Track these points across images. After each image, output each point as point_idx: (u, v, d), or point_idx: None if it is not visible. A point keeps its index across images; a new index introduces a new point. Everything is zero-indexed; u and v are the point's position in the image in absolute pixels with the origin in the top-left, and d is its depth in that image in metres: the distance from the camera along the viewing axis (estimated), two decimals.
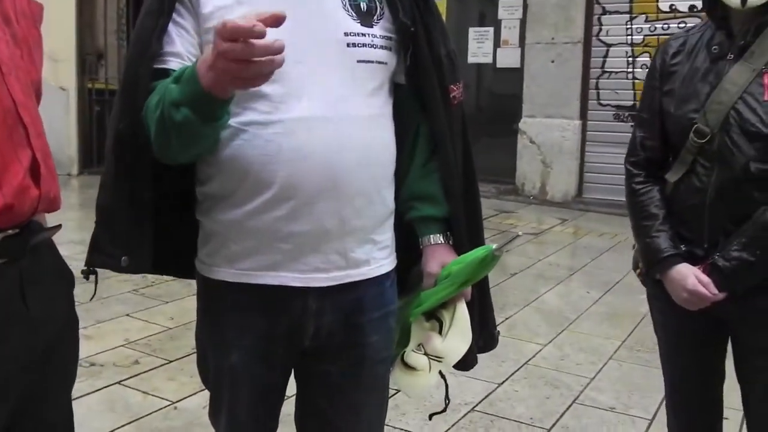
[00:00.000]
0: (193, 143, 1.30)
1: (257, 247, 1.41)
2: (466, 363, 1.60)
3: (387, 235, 1.51)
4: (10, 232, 1.06)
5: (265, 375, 1.50)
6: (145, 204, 1.43)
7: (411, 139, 1.54)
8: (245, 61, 1.07)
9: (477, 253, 1.48)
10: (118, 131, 1.39)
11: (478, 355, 1.65)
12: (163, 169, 1.41)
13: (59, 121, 9.05)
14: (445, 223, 1.55)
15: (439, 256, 1.53)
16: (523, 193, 8.28)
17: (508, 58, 8.49)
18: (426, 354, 1.52)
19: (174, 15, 1.38)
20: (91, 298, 1.45)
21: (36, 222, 1.16)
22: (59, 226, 1.24)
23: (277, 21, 1.07)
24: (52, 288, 1.18)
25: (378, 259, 1.48)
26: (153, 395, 3.17)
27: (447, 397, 1.61)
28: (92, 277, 1.45)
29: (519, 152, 8.31)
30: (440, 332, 1.53)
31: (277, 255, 1.40)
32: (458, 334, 1.52)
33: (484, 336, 1.65)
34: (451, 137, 1.53)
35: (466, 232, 1.54)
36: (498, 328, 1.70)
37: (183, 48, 1.38)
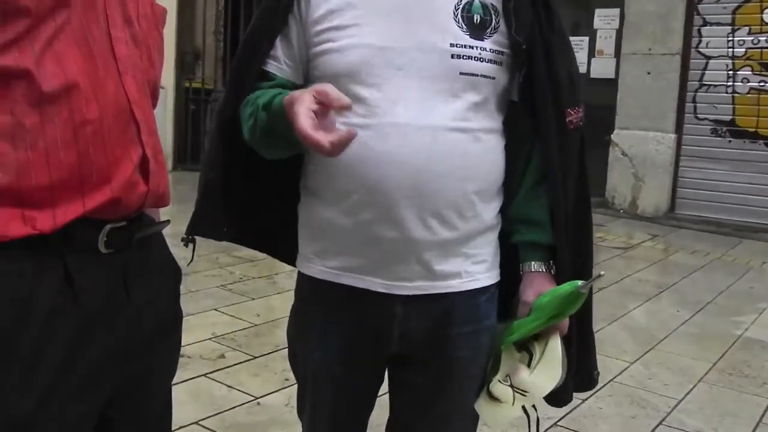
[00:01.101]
0: (278, 153, 1.42)
1: (345, 248, 1.42)
2: (558, 399, 1.56)
3: (484, 250, 1.47)
4: (117, 224, 1.09)
5: (348, 376, 1.50)
6: (244, 180, 1.52)
7: (523, 159, 1.49)
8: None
9: (563, 288, 1.42)
10: (223, 119, 1.49)
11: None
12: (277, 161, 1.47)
13: (157, 118, 9.29)
14: (549, 251, 1.48)
15: (537, 285, 1.47)
16: (612, 207, 8.11)
17: (602, 69, 8.33)
18: (511, 386, 1.46)
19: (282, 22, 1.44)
20: (189, 263, 1.51)
21: (147, 216, 1.19)
22: (168, 222, 1.27)
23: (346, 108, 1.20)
24: (157, 281, 1.20)
25: (472, 272, 1.45)
26: (237, 389, 3.22)
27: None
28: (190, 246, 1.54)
29: (610, 164, 8.14)
30: (529, 365, 1.47)
31: (363, 258, 1.41)
32: (546, 370, 1.45)
33: (582, 376, 1.58)
34: (564, 163, 1.46)
35: (571, 263, 1.46)
36: (598, 370, 1.62)
37: (281, 53, 1.45)
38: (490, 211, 1.46)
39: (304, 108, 1.18)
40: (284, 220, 1.55)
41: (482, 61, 1.39)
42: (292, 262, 1.58)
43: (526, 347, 1.49)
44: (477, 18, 1.40)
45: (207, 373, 3.35)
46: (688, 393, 3.48)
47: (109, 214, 1.08)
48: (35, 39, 0.98)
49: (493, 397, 1.48)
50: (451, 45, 1.37)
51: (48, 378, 1.01)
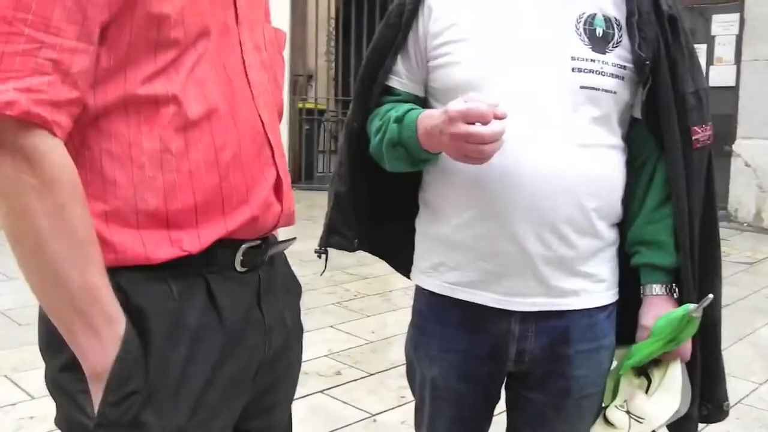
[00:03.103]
0: (403, 166, 1.45)
1: (461, 262, 1.43)
2: (681, 429, 1.50)
3: (603, 268, 1.45)
4: (252, 243, 1.14)
5: (466, 393, 1.51)
6: (371, 192, 1.57)
7: (646, 178, 1.46)
8: (474, 144, 1.22)
9: (677, 312, 1.38)
10: (352, 128, 1.53)
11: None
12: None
13: None
14: (672, 274, 1.44)
15: (657, 309, 1.43)
16: (736, 220, 7.79)
17: (721, 77, 8.03)
18: (627, 412, 1.42)
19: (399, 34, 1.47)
20: (322, 273, 1.62)
21: (272, 235, 1.24)
22: (294, 239, 1.32)
23: (502, 117, 1.22)
24: (282, 298, 1.25)
25: (590, 290, 1.43)
26: (354, 406, 3.26)
27: None
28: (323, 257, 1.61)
29: (732, 176, 7.82)
30: (647, 391, 1.43)
31: (479, 273, 1.41)
32: (664, 397, 1.41)
33: (710, 406, 1.52)
34: (690, 183, 1.42)
35: (696, 287, 1.41)
36: (728, 401, 1.55)
37: (402, 67, 1.49)
38: (609, 229, 1.44)
39: (454, 103, 1.24)
40: (408, 232, 1.57)
41: (604, 75, 1.37)
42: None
43: (645, 373, 1.45)
44: (600, 31, 1.39)
45: (324, 390, 3.40)
46: None
47: (248, 234, 1.13)
48: (180, 67, 1.04)
49: (608, 422, 1.45)
50: (573, 58, 1.36)
51: (196, 392, 1.07)
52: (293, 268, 1.34)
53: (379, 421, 3.13)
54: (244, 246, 1.13)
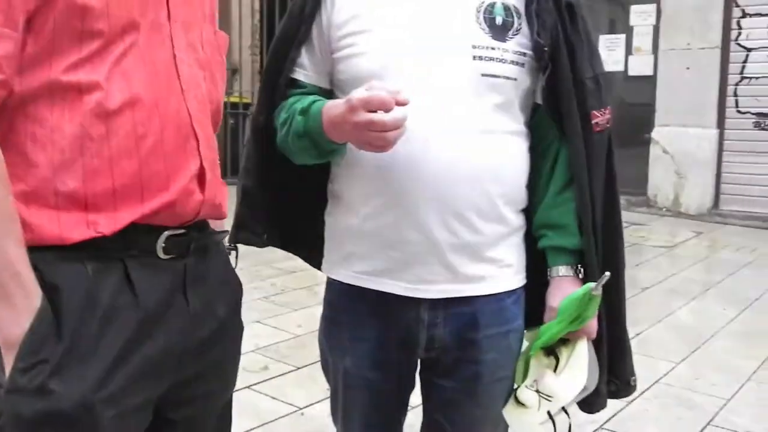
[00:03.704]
0: (309, 159, 1.45)
1: (369, 251, 1.44)
2: (591, 404, 1.55)
3: (509, 254, 1.47)
4: (175, 231, 1.18)
5: (379, 381, 1.52)
6: (280, 186, 1.56)
7: (550, 163, 1.48)
8: (376, 131, 1.23)
9: (579, 291, 1.41)
10: (258, 122, 1.54)
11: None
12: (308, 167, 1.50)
13: None
14: (577, 255, 1.47)
15: (564, 290, 1.45)
16: (655, 205, 8.02)
17: (640, 66, 8.25)
18: (537, 391, 1.46)
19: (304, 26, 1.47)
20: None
21: (209, 228, 1.28)
22: (227, 231, 1.35)
23: (404, 104, 1.23)
24: (216, 290, 1.27)
25: (496, 277, 1.45)
26: (281, 401, 3.25)
27: None
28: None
29: (651, 162, 8.05)
30: (555, 370, 1.47)
31: (387, 262, 1.43)
32: (572, 375, 1.45)
33: (618, 382, 1.56)
34: (591, 166, 1.45)
35: (600, 267, 1.45)
36: (635, 375, 1.59)
37: (307, 60, 1.48)
38: (514, 214, 1.46)
39: (356, 91, 1.25)
40: (319, 225, 1.57)
41: (504, 63, 1.39)
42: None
43: (554, 352, 1.49)
44: (499, 20, 1.41)
45: (251, 385, 3.38)
46: (736, 393, 3.42)
47: (167, 220, 1.16)
48: (106, 57, 1.09)
49: (519, 402, 1.48)
50: (473, 46, 1.38)
51: (105, 365, 1.09)
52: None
53: (306, 414, 3.13)
54: (166, 233, 1.16)
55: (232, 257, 1.54)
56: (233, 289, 1.35)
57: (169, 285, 1.18)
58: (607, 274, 1.39)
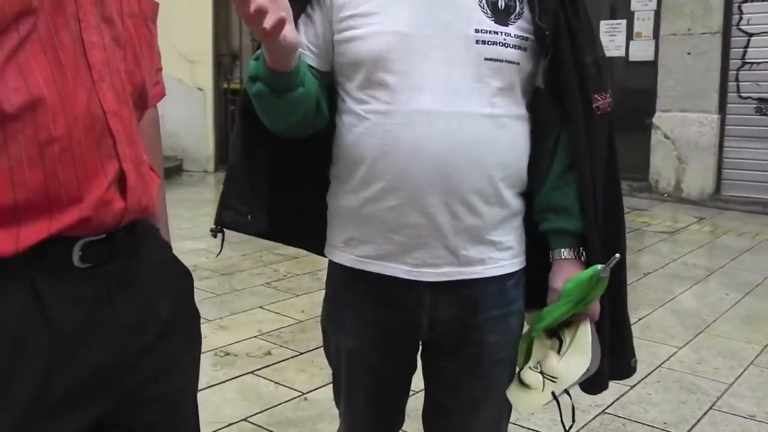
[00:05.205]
0: (274, 113, 1.40)
1: (371, 235, 1.44)
2: (593, 386, 1.55)
3: (509, 237, 1.48)
4: (93, 238, 1.03)
5: (382, 363, 1.53)
6: (266, 164, 1.52)
7: (551, 146, 1.48)
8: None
9: (586, 273, 1.42)
10: (244, 96, 1.49)
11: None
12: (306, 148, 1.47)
13: (197, 120, 9.47)
14: (579, 238, 1.48)
15: (566, 272, 1.46)
16: (656, 191, 8.01)
17: (641, 51, 8.21)
18: (541, 372, 1.47)
19: (306, 6, 1.45)
20: (218, 255, 1.51)
21: (140, 225, 1.14)
22: (157, 229, 1.23)
23: None
24: (152, 290, 1.14)
25: (497, 259, 1.46)
26: (284, 386, 3.26)
27: (562, 420, 1.51)
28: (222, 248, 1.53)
29: (652, 148, 8.03)
30: (559, 351, 1.48)
31: (389, 245, 1.43)
32: (575, 356, 1.46)
33: (619, 363, 1.56)
34: (592, 149, 1.45)
35: (602, 249, 1.45)
36: (635, 357, 1.60)
37: (305, 38, 1.45)
38: (515, 198, 1.47)
39: None
40: (314, 211, 1.55)
41: (507, 47, 1.39)
42: (321, 253, 1.59)
43: (557, 334, 1.49)
44: (501, 3, 1.41)
45: (254, 371, 3.39)
46: (738, 377, 3.43)
47: (82, 232, 1.02)
48: None
49: (523, 384, 1.49)
50: (476, 31, 1.38)
51: (23, 406, 0.96)
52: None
53: (309, 399, 3.14)
54: (82, 241, 1.02)
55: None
56: (177, 281, 1.21)
57: (90, 297, 1.03)
58: (617, 256, 1.39)
